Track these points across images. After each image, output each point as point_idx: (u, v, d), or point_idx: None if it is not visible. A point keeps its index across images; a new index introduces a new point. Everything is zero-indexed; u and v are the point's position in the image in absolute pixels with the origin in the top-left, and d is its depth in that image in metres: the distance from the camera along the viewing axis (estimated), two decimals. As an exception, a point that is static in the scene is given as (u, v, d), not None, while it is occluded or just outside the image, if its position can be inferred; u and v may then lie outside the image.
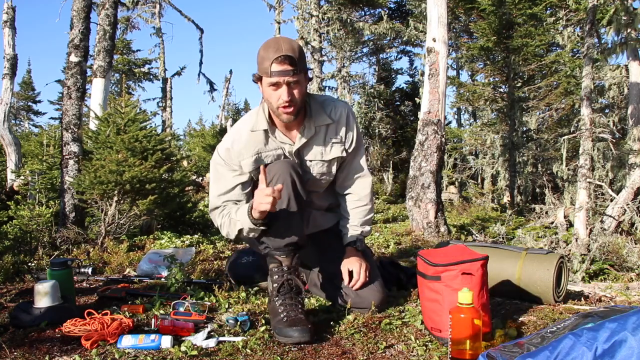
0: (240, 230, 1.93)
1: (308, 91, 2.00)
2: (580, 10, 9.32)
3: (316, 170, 2.10)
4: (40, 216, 3.86)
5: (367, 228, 2.21)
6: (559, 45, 11.20)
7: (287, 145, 2.03)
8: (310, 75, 1.98)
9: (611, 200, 6.81)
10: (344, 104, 2.12)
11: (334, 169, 2.13)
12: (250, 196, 2.00)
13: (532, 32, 10.75)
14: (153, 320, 1.90)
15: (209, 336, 1.77)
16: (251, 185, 2.05)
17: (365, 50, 17.65)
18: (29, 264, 3.11)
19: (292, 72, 1.81)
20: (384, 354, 1.66)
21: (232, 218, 1.96)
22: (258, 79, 1.90)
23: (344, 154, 2.10)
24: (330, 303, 2.23)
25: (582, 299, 2.54)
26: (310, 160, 2.08)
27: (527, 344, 1.39)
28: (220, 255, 3.63)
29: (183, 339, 1.77)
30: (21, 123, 25.38)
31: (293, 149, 2.03)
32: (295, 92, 1.86)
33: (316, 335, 1.77)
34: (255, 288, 2.45)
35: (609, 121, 9.05)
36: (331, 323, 1.96)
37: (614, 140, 7.72)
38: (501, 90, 12.58)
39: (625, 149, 7.59)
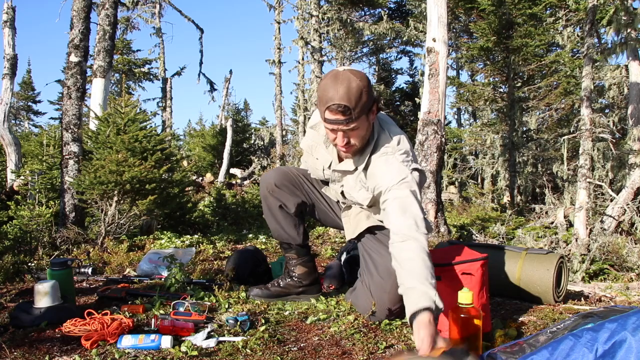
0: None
1: (376, 123, 1.90)
2: (580, 10, 9.32)
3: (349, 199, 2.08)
4: (40, 216, 3.86)
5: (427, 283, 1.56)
6: (558, 45, 11.20)
7: (328, 160, 2.05)
8: (373, 109, 1.81)
9: (611, 200, 6.81)
10: (391, 156, 1.85)
11: (365, 204, 2.00)
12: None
13: (532, 32, 10.75)
14: (153, 320, 1.90)
15: (209, 336, 1.77)
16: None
17: (365, 50, 17.66)
18: (29, 264, 3.11)
19: (345, 121, 1.71)
20: (384, 354, 1.66)
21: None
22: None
23: (369, 203, 1.96)
24: (330, 303, 2.23)
25: (582, 299, 2.54)
26: (342, 186, 2.07)
27: (527, 344, 1.39)
28: (220, 255, 3.63)
29: (183, 339, 1.77)
30: (21, 123, 25.36)
31: (330, 167, 2.05)
32: (352, 138, 1.79)
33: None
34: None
35: (609, 121, 9.05)
36: (331, 323, 1.96)
37: (614, 140, 7.72)
38: (501, 90, 12.58)
39: (625, 149, 7.59)
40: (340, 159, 2.02)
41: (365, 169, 1.92)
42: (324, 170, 2.11)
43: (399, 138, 1.92)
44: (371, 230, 2.11)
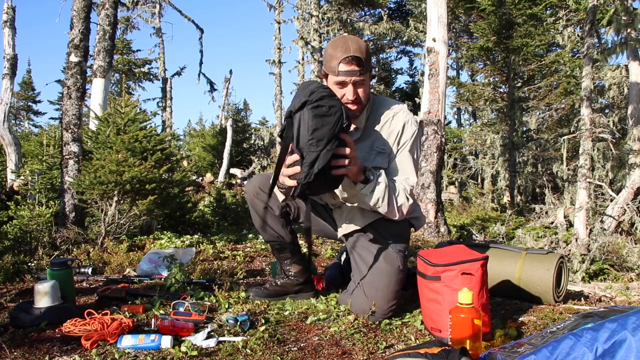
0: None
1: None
2: (580, 10, 9.32)
3: None
4: (40, 216, 3.86)
5: (382, 184, 1.87)
6: (559, 45, 11.21)
7: None
8: (374, 73, 2.03)
9: (611, 200, 6.81)
10: (403, 114, 2.03)
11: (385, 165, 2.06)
12: None
13: (532, 32, 10.76)
14: (153, 320, 1.90)
15: (209, 336, 1.77)
16: None
17: (365, 50, 17.62)
18: (29, 264, 3.11)
19: (359, 72, 1.86)
20: (384, 354, 1.66)
21: None
22: (324, 75, 1.96)
23: (386, 165, 2.02)
24: (330, 303, 2.23)
25: (582, 299, 2.54)
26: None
27: (527, 344, 1.39)
28: (220, 255, 3.63)
29: (183, 339, 1.77)
30: (21, 123, 25.36)
31: None
32: (360, 91, 1.92)
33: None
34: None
35: (609, 121, 9.05)
36: (331, 323, 1.96)
37: (614, 140, 7.72)
38: (501, 90, 12.59)
39: (625, 149, 7.59)
40: None
41: (370, 131, 2.04)
42: None
43: (397, 101, 2.10)
44: (361, 229, 2.11)
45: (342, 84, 1.89)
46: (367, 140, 2.03)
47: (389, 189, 1.88)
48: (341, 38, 1.92)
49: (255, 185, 2.22)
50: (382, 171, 1.91)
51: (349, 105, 1.91)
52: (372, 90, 2.07)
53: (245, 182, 12.70)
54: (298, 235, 2.44)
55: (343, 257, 2.69)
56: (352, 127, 2.01)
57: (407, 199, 1.94)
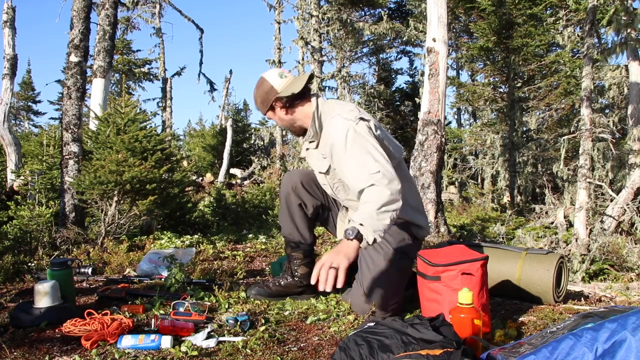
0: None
1: (321, 103, 2.13)
2: (580, 10, 9.32)
3: (321, 180, 2.21)
4: (40, 216, 3.86)
5: (366, 222, 1.74)
6: (559, 45, 11.20)
7: (302, 149, 2.26)
8: (280, 97, 2.07)
9: (611, 200, 6.81)
10: (333, 122, 2.01)
11: (327, 182, 2.17)
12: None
13: (532, 32, 10.75)
14: (153, 320, 1.90)
15: (209, 336, 1.77)
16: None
17: (365, 50, 17.66)
18: (29, 264, 3.11)
19: (264, 114, 2.18)
20: (384, 354, 1.66)
21: None
22: None
23: (327, 169, 2.11)
24: (330, 303, 2.23)
25: (582, 299, 2.54)
26: (314, 171, 2.24)
27: (527, 344, 1.39)
28: (220, 255, 3.63)
29: (183, 339, 1.77)
30: (21, 123, 25.36)
31: (305, 146, 2.25)
32: (278, 123, 2.21)
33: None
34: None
35: (609, 121, 9.05)
36: (331, 323, 1.96)
37: (614, 140, 7.72)
38: (501, 90, 12.59)
39: (625, 149, 7.59)
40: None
41: (321, 140, 2.13)
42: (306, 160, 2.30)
43: (339, 105, 2.09)
44: None
45: None
46: (319, 148, 2.15)
47: (367, 218, 1.75)
48: None
49: (297, 180, 2.26)
50: (351, 220, 1.77)
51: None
52: (323, 98, 2.17)
53: (245, 182, 12.69)
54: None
55: None
56: (307, 143, 2.20)
57: (375, 193, 1.80)
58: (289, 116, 2.14)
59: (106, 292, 2.36)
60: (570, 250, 5.12)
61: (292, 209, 2.26)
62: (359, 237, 1.71)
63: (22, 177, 6.98)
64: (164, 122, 18.49)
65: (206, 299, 2.27)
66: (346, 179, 1.99)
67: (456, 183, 14.08)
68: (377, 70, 17.89)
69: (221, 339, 1.77)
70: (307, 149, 2.22)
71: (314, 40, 13.63)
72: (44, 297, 1.97)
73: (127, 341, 1.70)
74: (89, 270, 2.78)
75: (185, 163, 11.33)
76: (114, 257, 3.35)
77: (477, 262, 1.85)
